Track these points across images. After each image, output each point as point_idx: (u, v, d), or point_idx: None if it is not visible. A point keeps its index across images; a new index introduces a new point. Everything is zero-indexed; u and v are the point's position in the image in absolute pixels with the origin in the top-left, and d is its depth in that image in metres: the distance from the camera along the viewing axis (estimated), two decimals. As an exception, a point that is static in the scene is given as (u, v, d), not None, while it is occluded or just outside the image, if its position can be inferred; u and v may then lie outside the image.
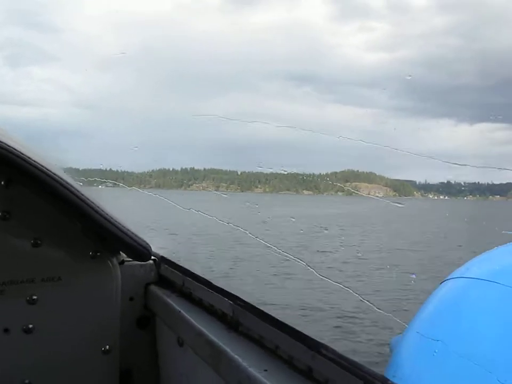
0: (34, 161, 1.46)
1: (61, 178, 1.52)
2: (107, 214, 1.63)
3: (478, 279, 2.37)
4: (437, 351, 2.02)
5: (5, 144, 1.42)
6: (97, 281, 1.72)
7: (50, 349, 1.66)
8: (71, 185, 1.55)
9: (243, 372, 1.21)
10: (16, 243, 1.61)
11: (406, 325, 2.58)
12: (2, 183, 1.55)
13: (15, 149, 1.43)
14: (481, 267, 2.58)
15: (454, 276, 2.57)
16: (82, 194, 1.57)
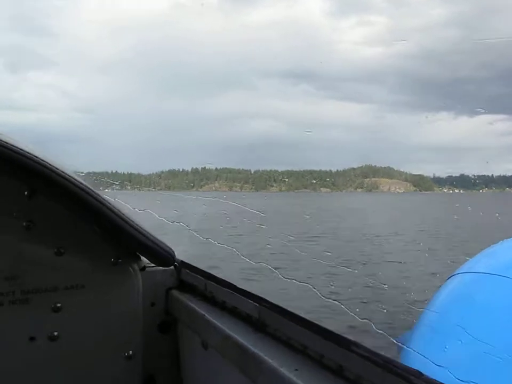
0: (58, 169, 1.53)
1: (82, 184, 1.58)
2: (129, 219, 1.70)
3: (485, 273, 2.43)
4: (447, 346, 2.09)
5: (29, 153, 1.48)
6: (119, 287, 1.79)
7: (75, 355, 1.73)
8: (92, 191, 1.61)
9: (273, 373, 1.23)
10: (39, 252, 1.67)
11: (415, 321, 2.66)
12: (26, 193, 1.61)
13: (39, 158, 1.50)
14: (487, 262, 2.65)
15: (461, 271, 2.64)
16: (104, 200, 1.63)
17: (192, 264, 1.93)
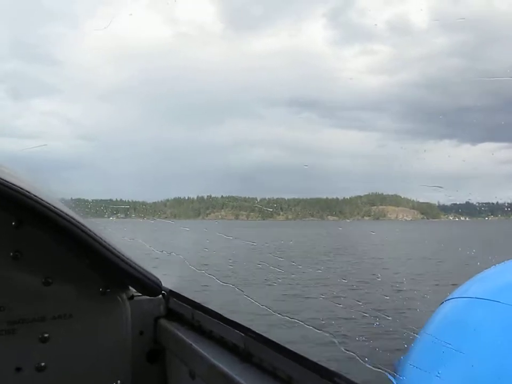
0: (44, 201, 1.54)
1: (70, 217, 1.59)
2: (116, 250, 1.70)
3: (479, 298, 2.45)
4: (440, 372, 2.09)
5: (15, 185, 1.49)
6: (107, 317, 1.79)
7: None
8: (79, 223, 1.61)
9: None
10: (27, 282, 1.67)
11: (409, 346, 2.68)
12: (13, 223, 1.63)
13: (25, 190, 1.51)
14: (481, 286, 2.65)
15: (454, 296, 2.65)
16: (91, 231, 1.64)
17: (180, 293, 1.94)
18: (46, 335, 1.69)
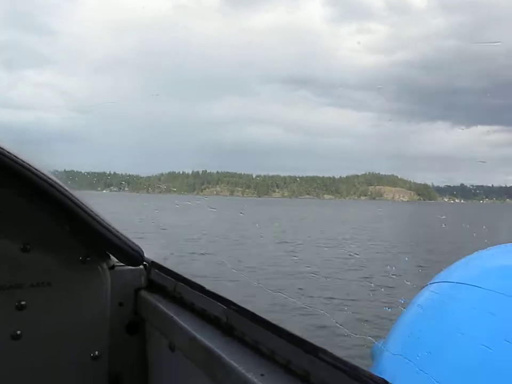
0: (23, 161, 1.48)
1: (52, 180, 1.54)
2: (99, 217, 1.66)
3: (460, 283, 2.49)
4: (419, 355, 2.14)
5: None
6: (87, 286, 1.76)
7: (38, 355, 1.70)
8: (62, 187, 1.57)
9: (239, 377, 1.23)
10: (4, 248, 1.62)
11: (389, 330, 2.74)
12: None
13: (5, 150, 1.45)
14: (462, 271, 2.70)
15: (436, 281, 2.71)
16: (74, 197, 1.60)
17: (163, 265, 1.92)
18: (23, 302, 1.66)
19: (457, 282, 2.51)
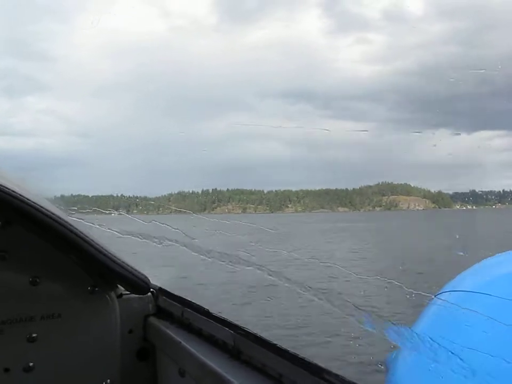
0: (30, 201, 1.56)
1: (56, 216, 1.61)
2: (104, 249, 1.72)
3: (470, 292, 2.48)
4: (433, 366, 2.14)
5: (1, 185, 1.51)
6: (96, 315, 1.81)
7: None
8: (67, 222, 1.64)
9: None
10: (14, 282, 1.69)
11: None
12: (0, 224, 1.65)
13: (11, 190, 1.52)
14: (473, 279, 2.67)
15: (446, 290, 2.68)
16: (78, 230, 1.66)
17: (170, 291, 1.97)
18: (34, 335, 1.71)
19: (468, 291, 2.50)
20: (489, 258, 2.81)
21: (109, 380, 1.82)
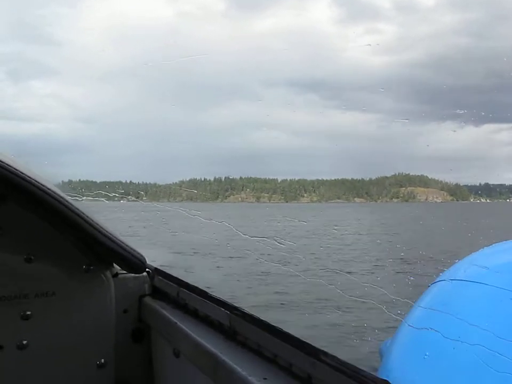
0: (27, 175, 1.56)
1: (53, 192, 1.61)
2: (100, 227, 1.73)
3: (466, 280, 2.47)
4: (428, 353, 2.11)
5: None
6: (91, 294, 1.83)
7: (44, 364, 1.76)
8: (63, 199, 1.65)
9: (242, 381, 1.29)
10: (9, 259, 1.70)
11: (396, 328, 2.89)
12: None
13: (7, 164, 1.52)
14: (468, 269, 2.69)
15: (442, 278, 2.76)
16: (75, 207, 1.67)
17: (166, 271, 2.00)
18: (28, 312, 1.72)
19: (463, 280, 2.51)
20: (485, 248, 2.92)
21: (103, 360, 1.84)
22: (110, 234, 1.77)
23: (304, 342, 1.24)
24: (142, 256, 1.91)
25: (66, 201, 1.66)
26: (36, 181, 1.57)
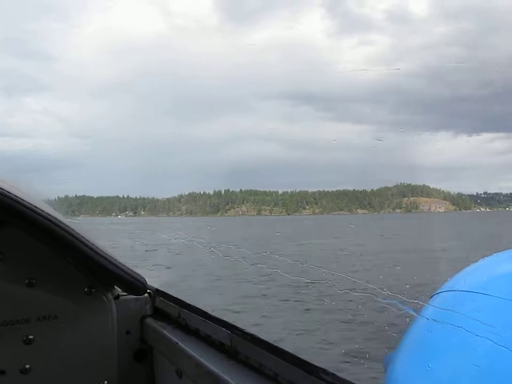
0: (25, 201, 1.59)
1: (54, 218, 1.64)
2: (101, 250, 1.77)
3: (468, 291, 2.63)
4: (431, 365, 2.35)
5: None
6: (93, 317, 1.86)
7: None
8: (63, 224, 1.68)
9: None
10: (10, 284, 1.72)
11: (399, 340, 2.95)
12: None
13: (6, 191, 1.55)
14: (470, 279, 2.80)
15: (444, 289, 2.85)
16: (76, 232, 1.70)
17: (167, 292, 2.04)
18: (30, 336, 1.75)
19: (465, 291, 2.60)
20: (486, 257, 2.97)
21: (106, 382, 1.87)
22: (111, 257, 1.81)
23: (304, 360, 1.26)
24: (142, 278, 1.95)
25: (67, 226, 1.69)
26: (36, 207, 1.61)
